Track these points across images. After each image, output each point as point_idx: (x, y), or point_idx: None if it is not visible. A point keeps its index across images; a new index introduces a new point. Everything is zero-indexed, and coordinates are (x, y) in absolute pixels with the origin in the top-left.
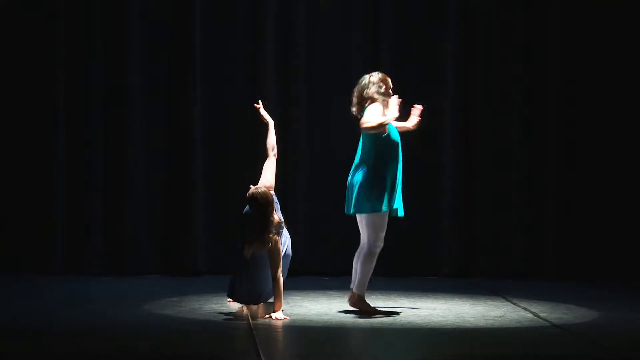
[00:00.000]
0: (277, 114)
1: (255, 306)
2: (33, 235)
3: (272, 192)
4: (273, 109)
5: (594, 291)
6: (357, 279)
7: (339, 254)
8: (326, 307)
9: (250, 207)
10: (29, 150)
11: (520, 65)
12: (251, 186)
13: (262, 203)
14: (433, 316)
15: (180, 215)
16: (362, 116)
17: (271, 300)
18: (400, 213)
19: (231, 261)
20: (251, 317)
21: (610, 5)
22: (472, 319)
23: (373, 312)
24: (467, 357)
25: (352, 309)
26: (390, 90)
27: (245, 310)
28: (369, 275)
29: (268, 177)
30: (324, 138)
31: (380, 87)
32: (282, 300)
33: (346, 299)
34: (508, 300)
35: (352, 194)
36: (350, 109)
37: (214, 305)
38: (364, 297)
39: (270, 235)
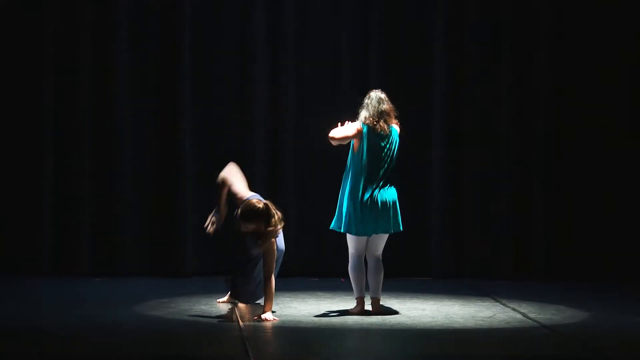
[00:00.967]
0: (268, 100)
1: (245, 307)
2: (22, 236)
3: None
4: (264, 100)
5: (583, 292)
6: (375, 287)
7: (328, 255)
8: (315, 308)
9: (253, 221)
10: (17, 152)
11: (510, 65)
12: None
13: (269, 214)
14: (422, 317)
15: (170, 217)
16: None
17: (260, 301)
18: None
19: (232, 263)
20: (240, 319)
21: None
22: (461, 320)
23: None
24: (456, 357)
25: (353, 313)
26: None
27: (235, 311)
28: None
29: (242, 186)
30: (315, 138)
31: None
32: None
33: (352, 306)
34: (497, 301)
35: (388, 212)
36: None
37: (203, 307)
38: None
39: (273, 227)
